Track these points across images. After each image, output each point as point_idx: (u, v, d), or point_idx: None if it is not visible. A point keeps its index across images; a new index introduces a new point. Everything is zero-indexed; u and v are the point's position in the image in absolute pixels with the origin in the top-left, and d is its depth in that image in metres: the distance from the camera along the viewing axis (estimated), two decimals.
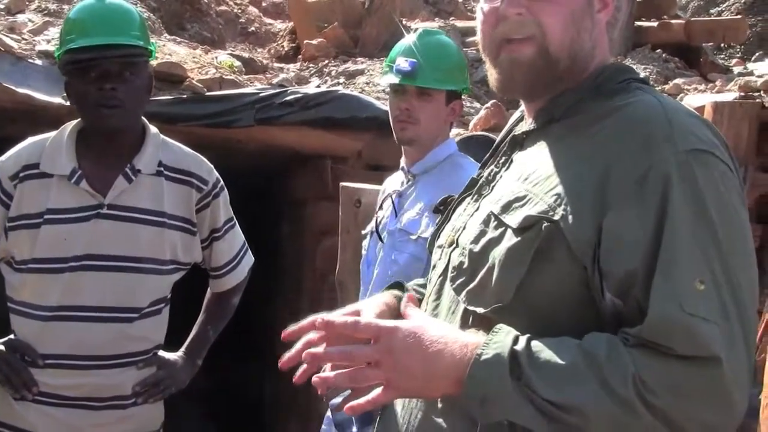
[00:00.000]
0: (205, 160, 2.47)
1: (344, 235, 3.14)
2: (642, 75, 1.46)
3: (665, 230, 1.18)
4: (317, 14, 6.84)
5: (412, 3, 8.21)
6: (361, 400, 1.25)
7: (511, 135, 1.49)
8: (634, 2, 6.87)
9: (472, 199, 1.48)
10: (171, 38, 5.88)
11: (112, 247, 2.29)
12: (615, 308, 1.21)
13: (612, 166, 1.24)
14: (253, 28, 7.56)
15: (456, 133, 2.91)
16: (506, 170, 1.43)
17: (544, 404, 1.16)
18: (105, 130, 2.28)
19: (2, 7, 5.26)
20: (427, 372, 1.22)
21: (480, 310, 1.30)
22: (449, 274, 1.40)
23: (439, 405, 1.34)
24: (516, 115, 1.55)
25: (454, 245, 1.42)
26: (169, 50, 5.09)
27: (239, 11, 7.73)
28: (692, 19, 7.78)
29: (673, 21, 7.00)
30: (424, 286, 1.64)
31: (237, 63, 5.46)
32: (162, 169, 2.36)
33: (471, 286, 1.33)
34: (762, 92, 4.41)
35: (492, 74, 1.41)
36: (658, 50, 6.37)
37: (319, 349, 1.26)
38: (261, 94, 4.50)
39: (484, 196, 1.43)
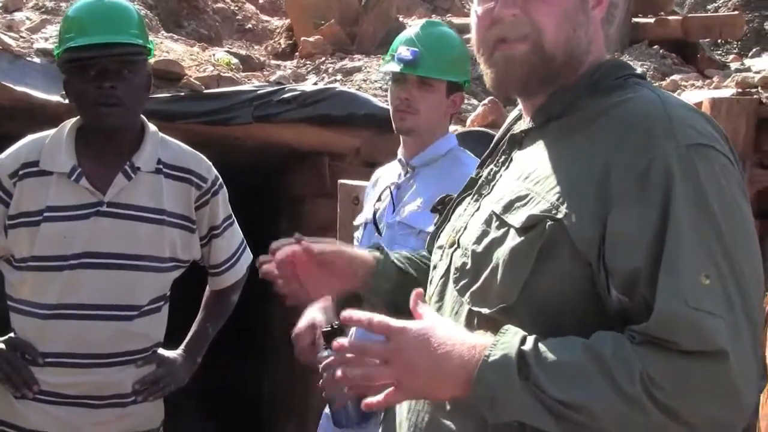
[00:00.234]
0: (204, 157, 2.47)
1: (342, 232, 3.15)
2: (639, 71, 1.47)
3: (669, 226, 1.19)
4: (314, 11, 6.83)
5: (409, 0, 8.21)
6: (374, 399, 1.26)
7: (509, 134, 1.48)
8: None
9: (472, 198, 1.48)
10: (168, 36, 5.88)
11: (111, 244, 2.29)
12: (621, 305, 1.22)
13: (613, 162, 1.24)
14: (249, 26, 7.55)
15: (452, 130, 2.90)
16: (506, 169, 1.43)
17: (552, 403, 1.16)
18: (104, 128, 2.28)
19: (0, 5, 5.26)
20: (435, 373, 1.22)
21: (485, 310, 1.30)
22: (452, 276, 1.40)
23: (447, 407, 1.34)
24: (514, 113, 1.55)
25: (456, 246, 1.42)
26: (166, 48, 5.08)
27: (236, 8, 7.72)
28: (689, 15, 7.79)
29: (670, 17, 7.00)
30: (406, 257, 1.67)
31: (234, 60, 5.46)
32: (161, 166, 2.36)
33: (475, 286, 1.33)
34: (759, 88, 4.42)
35: (487, 73, 1.41)
36: (655, 46, 6.37)
37: (344, 341, 1.28)
38: (259, 92, 4.50)
39: (485, 196, 1.43)
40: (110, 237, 2.29)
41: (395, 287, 1.58)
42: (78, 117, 2.35)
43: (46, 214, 2.26)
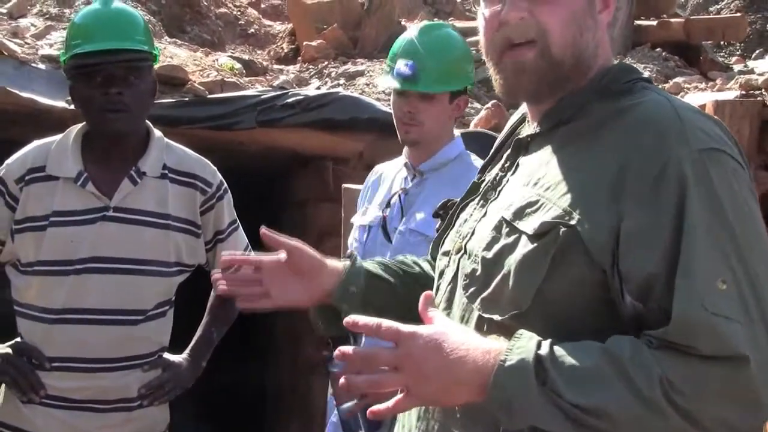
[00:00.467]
0: (209, 162, 2.48)
1: (346, 236, 3.15)
2: (646, 74, 1.47)
3: (684, 231, 1.18)
4: (316, 16, 6.84)
5: (411, 3, 8.22)
6: (381, 406, 1.24)
7: (514, 138, 1.47)
8: (634, 1, 6.87)
9: (477, 203, 1.47)
10: (171, 41, 5.89)
11: (117, 249, 2.30)
12: (635, 311, 1.21)
13: (626, 167, 1.23)
14: (252, 30, 7.56)
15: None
16: (512, 174, 1.42)
17: (570, 408, 1.15)
18: (111, 133, 2.29)
19: (5, 11, 5.28)
20: (448, 379, 1.21)
21: (497, 317, 1.29)
22: (460, 282, 1.38)
23: (457, 414, 1.32)
24: (515, 116, 1.54)
25: (463, 252, 1.41)
26: (170, 53, 5.10)
27: (238, 13, 7.73)
28: (691, 17, 7.78)
29: (672, 19, 6.99)
30: (381, 263, 1.65)
31: (237, 65, 5.47)
32: (166, 171, 2.37)
33: (486, 293, 1.32)
34: (763, 90, 4.41)
35: (496, 79, 1.40)
36: (658, 49, 6.37)
37: (348, 349, 1.24)
38: (262, 97, 4.51)
39: (491, 201, 1.42)
40: (116, 242, 2.30)
41: (366, 290, 1.57)
42: (84, 123, 2.36)
43: (52, 219, 2.27)
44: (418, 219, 2.50)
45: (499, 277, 1.30)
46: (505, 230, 1.32)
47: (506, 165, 1.45)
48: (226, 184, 2.49)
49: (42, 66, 4.40)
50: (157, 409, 2.42)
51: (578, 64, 1.36)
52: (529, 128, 1.45)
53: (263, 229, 1.54)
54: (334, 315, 1.57)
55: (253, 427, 5.96)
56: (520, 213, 1.31)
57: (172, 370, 2.44)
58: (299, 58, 6.43)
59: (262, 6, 8.27)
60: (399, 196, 2.60)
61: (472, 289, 1.35)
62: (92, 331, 2.28)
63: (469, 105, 4.75)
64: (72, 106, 2.60)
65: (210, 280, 2.53)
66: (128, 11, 2.40)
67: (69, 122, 2.47)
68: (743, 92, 4.37)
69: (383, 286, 1.58)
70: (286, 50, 6.93)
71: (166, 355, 2.45)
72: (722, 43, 8.37)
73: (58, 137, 2.37)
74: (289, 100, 4.49)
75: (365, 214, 2.71)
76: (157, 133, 2.41)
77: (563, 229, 1.24)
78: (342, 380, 1.24)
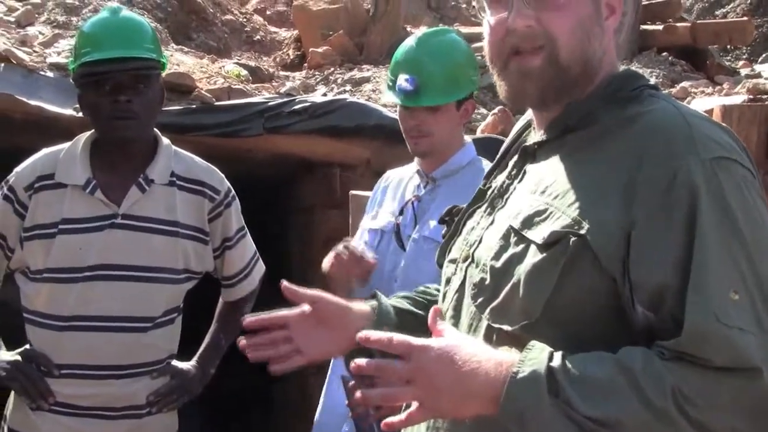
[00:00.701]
0: (217, 169, 2.49)
1: None
2: (652, 81, 1.46)
3: (695, 241, 1.18)
4: (322, 22, 6.85)
5: (416, 10, 8.23)
6: (395, 418, 1.24)
7: (521, 145, 1.47)
8: (640, 6, 6.86)
9: (484, 211, 1.46)
10: (178, 48, 5.91)
11: (126, 256, 2.30)
12: (646, 320, 1.20)
13: (635, 177, 1.23)
14: (258, 37, 7.57)
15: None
16: (519, 182, 1.41)
17: (583, 420, 1.14)
18: (119, 141, 2.30)
19: (12, 20, 5.30)
20: (460, 391, 1.21)
21: (506, 327, 1.29)
22: (468, 291, 1.38)
23: (467, 424, 1.31)
24: (520, 123, 1.53)
25: (470, 260, 1.40)
26: (176, 60, 5.11)
27: (244, 20, 7.75)
28: (698, 21, 7.76)
29: (678, 24, 6.98)
30: (405, 297, 1.63)
31: (244, 72, 5.48)
32: (174, 179, 2.38)
33: (495, 303, 1.31)
34: None
35: (501, 86, 1.39)
36: (664, 53, 6.36)
37: (362, 362, 1.24)
38: (269, 103, 4.52)
39: (498, 209, 1.41)
40: (124, 249, 2.30)
41: (398, 328, 1.51)
42: (92, 131, 2.37)
43: (61, 227, 2.28)
44: (431, 226, 2.47)
45: (508, 286, 1.29)
46: (513, 239, 1.31)
47: (513, 172, 1.45)
48: (233, 191, 2.50)
49: (50, 74, 4.41)
50: (166, 416, 2.43)
51: (585, 71, 1.35)
52: (536, 135, 1.44)
53: (284, 284, 1.49)
54: (369, 357, 1.55)
55: (262, 431, 5.96)
56: (528, 222, 1.30)
57: (180, 377, 2.44)
58: (305, 64, 6.44)
59: (268, 13, 8.29)
60: (412, 203, 2.58)
61: (480, 299, 1.34)
62: (101, 339, 2.28)
63: (476, 111, 4.77)
64: (80, 114, 2.60)
65: (216, 286, 2.57)
66: (137, 20, 2.41)
67: (77, 130, 2.48)
68: (751, 96, 4.35)
69: (413, 320, 1.54)
70: (291, 57, 6.94)
71: (175, 363, 2.45)
72: (729, 47, 8.35)
73: (66, 145, 2.38)
74: (296, 106, 4.49)
75: (376, 218, 2.68)
76: (164, 140, 2.42)
77: (573, 238, 1.24)
78: (358, 393, 1.25)
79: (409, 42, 2.57)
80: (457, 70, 2.52)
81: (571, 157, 1.33)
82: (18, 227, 2.31)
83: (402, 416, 1.24)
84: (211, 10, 7.36)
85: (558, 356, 1.19)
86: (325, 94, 5.11)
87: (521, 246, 1.30)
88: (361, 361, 1.24)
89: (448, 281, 1.48)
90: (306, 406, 4.93)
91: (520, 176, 1.42)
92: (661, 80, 5.67)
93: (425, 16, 8.17)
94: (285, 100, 4.59)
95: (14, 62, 4.36)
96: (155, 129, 2.41)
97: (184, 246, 2.38)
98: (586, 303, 1.24)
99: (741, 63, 7.59)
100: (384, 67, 5.66)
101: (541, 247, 1.26)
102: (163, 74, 2.41)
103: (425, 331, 1.53)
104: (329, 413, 2.64)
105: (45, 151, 2.39)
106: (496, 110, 4.60)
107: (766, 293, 1.18)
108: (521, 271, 1.27)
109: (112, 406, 2.32)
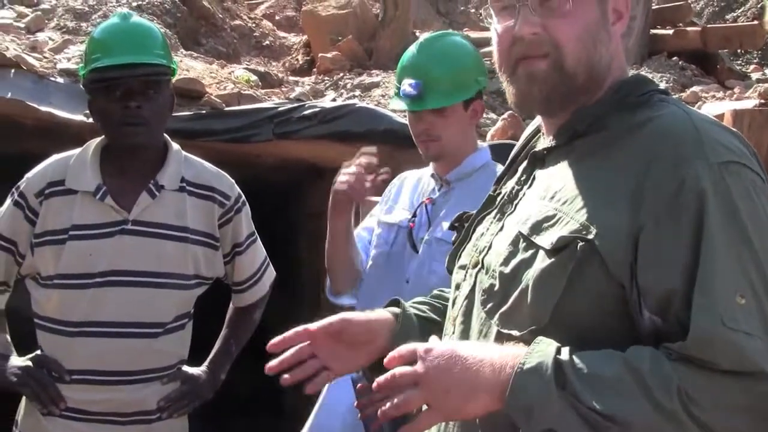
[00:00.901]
0: (227, 175, 2.49)
1: None
2: (662, 86, 1.46)
3: (702, 245, 1.18)
4: (331, 27, 6.87)
5: (425, 15, 8.24)
6: (407, 426, 1.26)
7: (530, 151, 1.47)
8: (650, 10, 6.86)
9: (494, 217, 1.46)
10: (187, 53, 5.93)
11: (136, 262, 2.30)
12: (654, 325, 1.20)
13: (644, 182, 1.23)
14: (267, 42, 7.59)
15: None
16: (529, 188, 1.41)
17: (589, 413, 1.15)
18: (129, 147, 2.30)
19: (23, 26, 5.32)
20: (468, 386, 1.21)
21: (515, 332, 1.29)
22: (478, 297, 1.38)
23: (477, 422, 1.32)
24: (530, 128, 1.54)
25: (480, 266, 1.40)
26: (186, 66, 5.12)
27: (253, 25, 7.76)
28: (708, 25, 7.75)
29: (688, 28, 6.97)
30: (423, 303, 1.63)
31: (253, 77, 5.49)
32: (185, 184, 2.38)
33: (504, 308, 1.31)
34: None
35: (509, 90, 1.40)
36: (674, 58, 6.35)
37: (380, 379, 1.26)
38: (279, 109, 4.52)
39: (508, 215, 1.41)
40: (135, 255, 2.30)
41: (420, 337, 1.51)
42: (102, 136, 2.37)
43: (71, 233, 2.28)
44: (444, 228, 2.45)
45: (517, 292, 1.29)
46: (522, 245, 1.32)
47: (522, 178, 1.45)
48: (244, 197, 2.50)
49: (60, 80, 4.43)
50: (176, 421, 2.43)
51: (592, 77, 1.35)
52: (545, 141, 1.44)
53: (302, 328, 1.48)
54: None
55: None
56: (537, 227, 1.31)
57: (191, 382, 2.44)
58: (314, 69, 6.45)
59: (277, 18, 8.31)
60: (425, 205, 2.57)
61: (490, 305, 1.35)
62: (111, 344, 2.28)
63: (485, 116, 4.77)
64: (90, 120, 2.61)
65: (227, 291, 2.57)
66: (147, 25, 2.41)
67: (87, 136, 2.48)
68: (762, 101, 4.34)
69: (434, 327, 1.54)
70: (301, 62, 6.96)
71: (185, 368, 2.45)
72: (739, 51, 8.32)
73: (77, 151, 2.38)
74: (306, 112, 4.50)
75: (391, 213, 2.67)
76: (174, 146, 2.42)
77: (581, 243, 1.24)
78: (379, 412, 1.27)
79: (412, 48, 2.57)
80: (461, 71, 2.52)
81: (580, 163, 1.33)
82: (29, 233, 2.31)
83: (415, 423, 1.25)
84: (220, 16, 7.38)
85: (565, 351, 1.19)
86: (334, 99, 5.12)
87: (530, 252, 1.30)
88: (380, 379, 1.26)
89: (457, 287, 1.48)
90: None
91: (529, 182, 1.42)
92: (671, 85, 5.65)
93: (434, 21, 8.18)
94: (294, 105, 4.59)
95: (25, 68, 4.37)
96: (165, 134, 2.41)
97: (195, 252, 2.37)
98: (594, 308, 1.24)
99: (751, 67, 7.57)
100: (393, 72, 5.66)
101: (550, 253, 1.26)
102: (173, 80, 2.41)
103: (442, 334, 1.53)
104: (327, 413, 2.64)
105: (55, 157, 2.39)
106: (505, 115, 4.60)
107: None
108: (530, 276, 1.28)
109: (122, 411, 2.32)
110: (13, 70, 4.35)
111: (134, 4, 6.18)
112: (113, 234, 2.30)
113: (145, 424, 2.35)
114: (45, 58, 4.68)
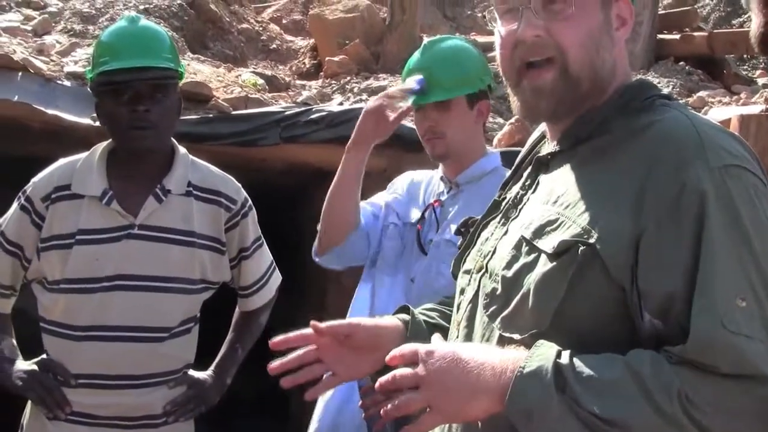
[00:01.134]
0: (233, 179, 2.49)
1: None
2: (666, 90, 1.46)
3: (703, 249, 1.18)
4: (338, 31, 6.86)
5: (432, 19, 8.24)
6: (408, 427, 1.26)
7: (534, 156, 1.48)
8: (656, 15, 6.84)
9: (498, 222, 1.47)
10: (194, 57, 5.92)
11: (142, 267, 2.30)
12: (654, 329, 1.21)
13: (645, 185, 1.23)
14: (274, 46, 7.58)
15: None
16: (533, 192, 1.42)
17: (589, 417, 1.15)
18: (138, 151, 2.30)
19: (29, 29, 5.33)
20: (469, 388, 1.22)
21: (516, 336, 1.30)
22: (481, 301, 1.39)
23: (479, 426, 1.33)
24: (535, 134, 1.54)
25: (484, 270, 1.41)
26: (193, 69, 5.12)
27: (260, 29, 7.76)
28: (715, 31, 7.73)
29: (695, 33, 6.95)
30: (432, 309, 1.64)
31: (260, 81, 5.48)
32: (191, 189, 2.38)
33: (506, 312, 1.32)
34: None
35: (515, 101, 1.41)
36: (681, 63, 6.33)
37: (383, 379, 1.27)
38: (286, 113, 4.51)
39: (512, 219, 1.42)
40: (141, 259, 2.30)
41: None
42: (109, 140, 2.38)
43: (78, 237, 2.28)
44: (453, 230, 2.47)
45: (518, 296, 1.30)
46: (524, 249, 1.33)
47: (527, 183, 1.46)
48: (250, 201, 2.50)
49: (67, 83, 4.43)
50: (182, 425, 2.43)
51: (596, 82, 1.36)
52: (549, 146, 1.45)
53: (312, 323, 1.49)
54: None
55: None
56: (539, 231, 1.31)
57: (197, 387, 2.44)
58: (321, 73, 6.44)
59: (284, 21, 8.30)
60: (434, 208, 2.58)
61: (492, 308, 1.35)
62: (118, 349, 2.28)
63: (493, 120, 4.76)
64: (97, 123, 2.61)
65: (233, 295, 2.57)
66: (155, 29, 2.42)
67: (94, 139, 2.49)
68: None
69: (443, 334, 1.54)
70: (308, 65, 6.95)
71: (191, 372, 2.45)
72: (746, 56, 8.30)
73: (83, 155, 2.38)
74: (313, 116, 4.49)
75: (403, 207, 2.66)
76: (181, 150, 2.42)
77: (582, 247, 1.24)
78: (382, 411, 1.28)
79: (416, 53, 2.62)
80: (464, 66, 2.56)
81: (583, 167, 1.34)
82: (35, 238, 2.31)
83: (418, 424, 1.25)
84: (227, 19, 7.38)
85: (566, 354, 1.20)
86: (341, 103, 5.11)
87: (532, 256, 1.31)
88: (382, 379, 1.27)
89: (462, 291, 1.49)
90: None
91: (533, 187, 1.43)
92: (678, 89, 5.64)
93: (441, 25, 8.17)
94: (302, 109, 4.59)
95: (32, 71, 4.37)
96: (172, 138, 2.41)
97: (201, 256, 2.37)
98: (596, 312, 1.25)
99: (758, 72, 7.54)
100: (400, 76, 5.65)
101: (551, 257, 1.27)
102: (180, 83, 2.41)
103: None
104: (330, 414, 2.63)
105: (62, 161, 2.39)
106: (512, 119, 4.59)
107: None
108: (531, 280, 1.29)
109: (128, 415, 2.32)
110: (20, 73, 4.34)
111: (141, 7, 6.18)
112: (120, 239, 2.30)
113: (152, 428, 2.35)
114: (52, 61, 4.68)
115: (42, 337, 2.37)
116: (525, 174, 1.48)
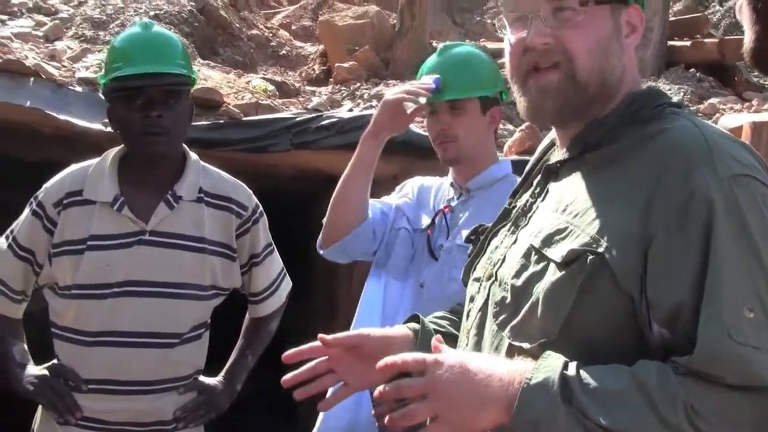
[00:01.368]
0: (244, 185, 2.49)
1: None
2: (676, 98, 1.45)
3: (711, 259, 1.17)
4: (348, 37, 6.87)
5: (441, 25, 8.25)
6: None
7: (544, 164, 1.48)
8: (667, 22, 6.83)
9: (508, 230, 1.47)
10: (204, 63, 5.94)
11: (153, 273, 2.30)
12: (662, 339, 1.20)
13: (654, 194, 1.23)
14: (284, 52, 7.60)
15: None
16: (542, 201, 1.42)
17: (595, 429, 1.15)
18: (150, 156, 2.31)
19: (41, 35, 5.35)
20: (475, 400, 1.21)
21: (525, 345, 1.29)
22: (491, 309, 1.39)
23: None
24: (545, 142, 1.54)
25: (493, 279, 1.41)
26: (204, 75, 5.13)
27: (270, 35, 7.78)
28: (725, 37, 7.71)
29: (706, 40, 6.94)
30: (443, 318, 1.64)
31: (270, 87, 5.50)
32: (202, 195, 2.38)
33: (515, 321, 1.32)
34: None
35: (521, 102, 1.41)
36: (692, 69, 6.32)
37: (382, 387, 1.27)
38: (297, 119, 4.52)
39: (521, 228, 1.42)
40: (152, 265, 2.30)
41: None
42: (121, 146, 2.38)
43: (89, 243, 2.29)
44: (464, 236, 2.47)
45: (527, 305, 1.30)
46: (534, 258, 1.32)
47: (536, 191, 1.46)
48: (261, 208, 2.50)
49: (79, 88, 4.44)
50: (193, 431, 2.42)
51: (603, 89, 1.35)
52: (558, 154, 1.45)
53: (320, 336, 1.48)
54: None
55: None
56: (548, 240, 1.31)
57: (207, 393, 2.44)
58: (331, 79, 6.45)
59: (293, 27, 8.32)
60: (444, 214, 2.57)
61: (502, 317, 1.35)
62: (128, 354, 2.28)
63: (503, 127, 4.76)
64: (108, 129, 2.61)
65: (243, 302, 2.57)
66: (168, 35, 2.42)
67: (105, 145, 2.49)
68: None
69: (454, 343, 1.54)
70: (317, 72, 6.96)
71: (202, 378, 2.45)
72: None
73: (95, 161, 2.38)
74: (324, 122, 4.49)
75: (414, 209, 2.65)
76: (193, 156, 2.42)
77: (591, 256, 1.24)
78: (386, 419, 1.27)
79: (431, 57, 2.63)
80: (478, 70, 2.57)
81: (592, 176, 1.34)
82: (47, 243, 2.32)
83: None
84: (237, 25, 7.40)
85: (573, 366, 1.19)
86: (351, 110, 5.12)
87: (541, 264, 1.30)
88: (381, 387, 1.26)
89: (472, 299, 1.49)
90: None
91: (543, 195, 1.43)
92: (688, 96, 5.62)
93: (450, 31, 8.19)
94: (312, 115, 4.59)
95: (44, 77, 4.39)
96: (184, 144, 2.41)
97: (212, 262, 2.37)
98: (604, 321, 1.24)
99: None
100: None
101: (560, 266, 1.27)
102: (192, 90, 2.41)
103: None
104: (335, 419, 2.63)
105: (74, 167, 2.40)
106: (523, 126, 4.58)
107: None
108: (540, 289, 1.28)
109: (139, 421, 2.32)
110: (32, 79, 4.37)
111: (152, 13, 6.20)
112: (131, 245, 2.30)
113: None
114: (63, 66, 4.70)
115: (53, 342, 2.37)
116: (534, 182, 1.48)
